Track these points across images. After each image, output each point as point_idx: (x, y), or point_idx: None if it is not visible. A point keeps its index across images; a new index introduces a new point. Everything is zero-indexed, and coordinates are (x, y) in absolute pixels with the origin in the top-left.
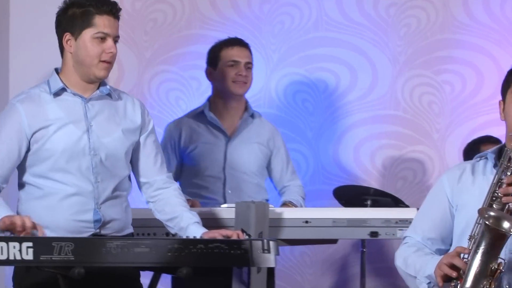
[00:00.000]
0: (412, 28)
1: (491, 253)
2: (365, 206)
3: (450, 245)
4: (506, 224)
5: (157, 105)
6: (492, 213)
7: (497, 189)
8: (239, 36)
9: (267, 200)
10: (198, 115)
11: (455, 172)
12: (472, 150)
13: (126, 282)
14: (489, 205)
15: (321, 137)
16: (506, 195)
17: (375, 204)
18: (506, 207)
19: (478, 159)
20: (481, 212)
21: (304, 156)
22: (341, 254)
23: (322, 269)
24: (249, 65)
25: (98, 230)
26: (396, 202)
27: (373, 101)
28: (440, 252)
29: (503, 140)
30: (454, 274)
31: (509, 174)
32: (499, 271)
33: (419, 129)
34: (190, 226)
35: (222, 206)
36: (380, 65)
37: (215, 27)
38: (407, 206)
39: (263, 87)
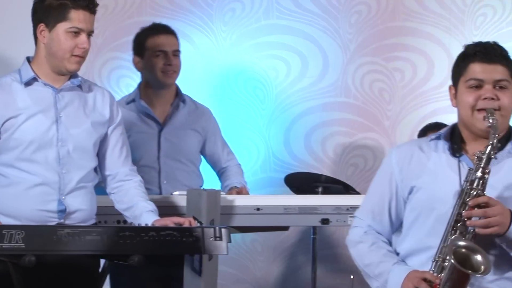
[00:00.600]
0: (363, 15)
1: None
2: (316, 193)
3: (400, 224)
4: (473, 261)
5: None
6: (459, 249)
7: (462, 211)
8: (190, 25)
9: (200, 187)
10: (129, 103)
11: (405, 151)
12: (420, 136)
13: (83, 272)
14: (452, 228)
15: (272, 125)
16: (470, 218)
17: (326, 191)
18: (471, 230)
19: (430, 138)
20: (449, 248)
21: (255, 144)
22: (292, 241)
23: (273, 256)
24: (176, 53)
25: (62, 220)
26: (347, 189)
27: (324, 89)
28: (386, 232)
29: None
30: None
31: (474, 193)
32: None
33: (370, 116)
34: (144, 214)
35: (174, 193)
36: (331, 52)
37: (166, 14)
38: (358, 193)
39: (214, 73)
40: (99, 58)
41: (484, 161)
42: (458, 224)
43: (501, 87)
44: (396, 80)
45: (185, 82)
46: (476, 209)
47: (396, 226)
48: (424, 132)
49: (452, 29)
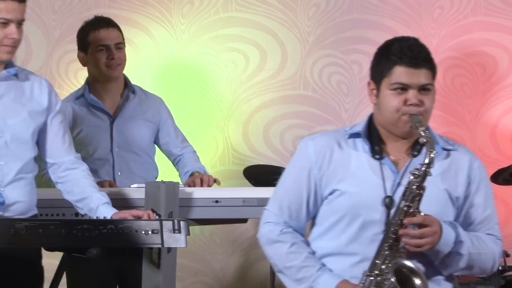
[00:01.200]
0: (321, 8)
1: None
2: (275, 185)
3: (313, 219)
4: (413, 283)
5: (65, 85)
6: (401, 269)
7: (396, 228)
8: (148, 17)
9: (156, 178)
10: (79, 98)
11: (323, 150)
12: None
13: (25, 264)
14: (386, 243)
15: (230, 118)
16: (404, 236)
17: None
18: (402, 247)
19: (347, 135)
20: (392, 267)
21: (213, 137)
22: (251, 233)
23: (232, 248)
24: (119, 45)
25: (1, 213)
26: None
27: (283, 81)
28: (301, 229)
29: None
30: None
31: (410, 210)
32: None
33: (328, 109)
34: (100, 207)
35: (132, 186)
36: (290, 45)
37: (125, 6)
38: None
39: (172, 66)
40: (57, 50)
41: (420, 178)
42: (391, 241)
43: (424, 90)
44: (354, 73)
45: (143, 74)
46: (413, 228)
47: (309, 219)
48: None
49: (409, 22)
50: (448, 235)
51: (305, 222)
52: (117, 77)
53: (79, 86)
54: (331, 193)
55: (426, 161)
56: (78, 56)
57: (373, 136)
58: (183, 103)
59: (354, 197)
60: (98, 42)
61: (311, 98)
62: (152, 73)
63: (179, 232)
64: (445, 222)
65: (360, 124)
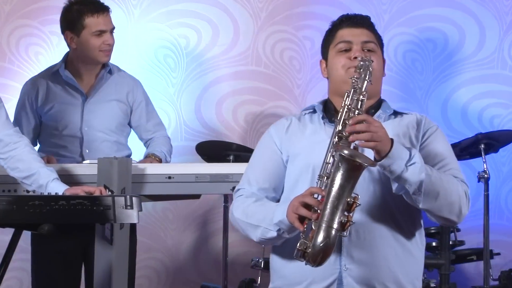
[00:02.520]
0: None
1: (347, 187)
2: (228, 161)
3: (281, 194)
4: (361, 157)
5: (16, 60)
6: (345, 149)
7: (342, 129)
8: None
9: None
10: (53, 74)
11: (282, 123)
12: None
13: None
14: (334, 145)
15: (183, 94)
16: (351, 134)
17: (238, 159)
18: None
19: (305, 112)
20: (336, 147)
21: (166, 113)
22: (204, 209)
23: (185, 224)
24: (112, 30)
25: None
26: None
27: (235, 57)
28: (274, 201)
29: None
30: (313, 216)
31: (353, 115)
32: (355, 204)
33: (281, 84)
34: (50, 183)
35: (84, 162)
36: (242, 21)
37: None
38: None
39: (124, 42)
40: (7, 26)
41: (359, 84)
42: (340, 142)
43: (369, 50)
44: (306, 49)
45: None
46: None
47: (280, 194)
48: None
49: None
50: (400, 146)
51: (274, 194)
52: (107, 61)
53: (30, 62)
54: (287, 160)
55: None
56: (66, 36)
57: (327, 108)
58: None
59: (307, 156)
60: (96, 28)
61: (264, 74)
62: None
63: (132, 208)
64: None
65: (314, 103)
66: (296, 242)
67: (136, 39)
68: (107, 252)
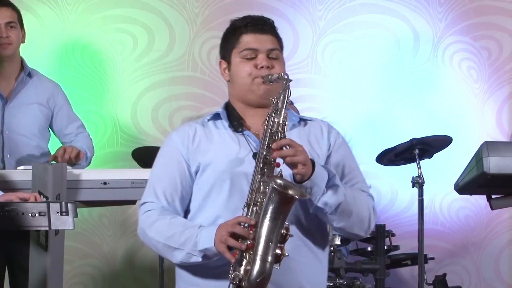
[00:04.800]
0: None
1: (280, 219)
2: None
3: (188, 205)
4: (293, 189)
5: None
6: (278, 180)
7: (266, 153)
8: None
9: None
10: None
11: (186, 131)
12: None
13: None
14: (260, 170)
15: (119, 99)
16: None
17: None
18: (278, 172)
19: (207, 119)
20: (269, 177)
21: (102, 118)
22: None
23: (121, 230)
24: (12, 24)
25: None
26: None
27: (171, 63)
28: (182, 214)
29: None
30: (243, 246)
31: (275, 138)
32: (288, 236)
33: (217, 90)
34: None
35: (19, 168)
36: (178, 26)
37: None
38: None
39: (60, 47)
40: None
41: (280, 105)
42: (265, 167)
43: (274, 58)
44: None
45: (29, 55)
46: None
47: (186, 204)
48: None
49: (296, 4)
50: (320, 168)
51: (181, 207)
52: (7, 56)
53: None
54: (197, 171)
55: (283, 90)
56: None
57: (232, 115)
58: (70, 85)
59: (218, 165)
60: None
61: (200, 80)
62: (38, 55)
63: (67, 214)
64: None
65: (217, 109)
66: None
67: (71, 44)
68: (42, 258)
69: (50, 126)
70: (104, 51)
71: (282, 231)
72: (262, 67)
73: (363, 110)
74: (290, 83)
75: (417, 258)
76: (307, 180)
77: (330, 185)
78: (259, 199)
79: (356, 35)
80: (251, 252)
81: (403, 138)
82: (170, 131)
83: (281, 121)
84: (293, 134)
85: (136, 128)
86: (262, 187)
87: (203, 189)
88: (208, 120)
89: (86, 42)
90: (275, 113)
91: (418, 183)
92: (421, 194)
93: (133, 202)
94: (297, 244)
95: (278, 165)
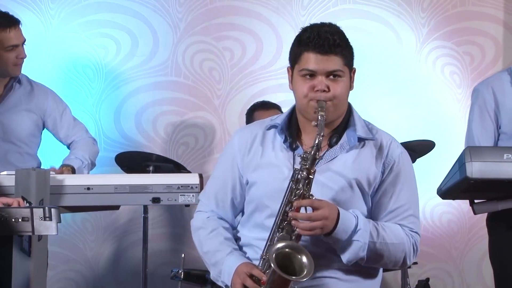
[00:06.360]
0: None
1: None
2: (147, 172)
3: (241, 209)
4: (297, 262)
5: None
6: (283, 250)
7: (288, 209)
8: (16, 1)
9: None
10: None
11: (246, 136)
12: (248, 115)
13: None
14: (279, 226)
15: (102, 104)
16: (295, 219)
17: (157, 170)
18: (295, 231)
19: (269, 126)
20: (271, 253)
21: (85, 123)
22: (123, 220)
23: (105, 235)
24: (23, 43)
25: None
26: (178, 168)
27: (154, 67)
28: (229, 218)
29: (284, 107)
30: None
31: (299, 193)
32: None
33: (200, 95)
34: None
35: (2, 173)
36: (161, 31)
37: None
38: (189, 172)
39: (42, 52)
40: None
41: (309, 161)
42: (285, 223)
43: (334, 76)
44: (226, 59)
45: None
46: (301, 211)
47: (240, 209)
48: (252, 111)
49: (280, 9)
50: (347, 221)
51: (232, 212)
52: (19, 74)
53: None
54: (247, 183)
55: (314, 145)
56: None
57: (291, 127)
58: (53, 89)
59: (263, 187)
60: (9, 43)
61: (183, 85)
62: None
63: (50, 219)
64: (349, 211)
65: (282, 115)
66: None
67: (54, 49)
68: (25, 264)
69: (47, 129)
70: (87, 56)
71: None
72: (317, 90)
73: None
74: (276, 88)
75: None
76: (329, 235)
77: (353, 239)
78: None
79: None
80: None
81: None
82: (154, 136)
83: (307, 176)
84: (347, 158)
85: (120, 133)
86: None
87: (250, 205)
88: (268, 128)
89: (69, 47)
90: (301, 168)
91: None
92: None
93: (116, 207)
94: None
95: (295, 225)
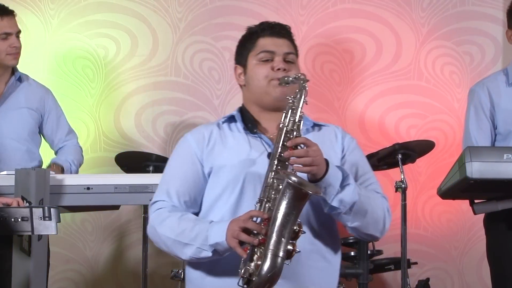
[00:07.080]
0: None
1: (293, 215)
2: (147, 172)
3: (200, 206)
4: (308, 186)
5: None
6: (293, 176)
7: (281, 152)
8: (16, 1)
9: (39, 166)
10: None
11: (201, 133)
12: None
13: None
14: (273, 168)
15: (102, 104)
16: (291, 157)
17: (157, 170)
18: (292, 170)
19: (222, 121)
20: (284, 173)
21: (85, 123)
22: (123, 220)
23: (104, 235)
24: (19, 34)
25: None
26: None
27: (154, 67)
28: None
29: None
30: (255, 241)
31: (291, 136)
32: (300, 232)
33: (200, 95)
34: None
35: (2, 173)
36: (161, 31)
37: None
38: None
39: (43, 52)
40: None
41: (296, 104)
42: (279, 165)
43: (290, 61)
44: (226, 59)
45: None
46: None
47: (198, 207)
48: None
49: (279, 9)
50: (334, 167)
51: (192, 208)
52: (15, 65)
53: None
54: (211, 169)
55: (300, 90)
56: None
57: (246, 118)
58: (52, 89)
59: (232, 168)
60: (1, 30)
61: (183, 85)
62: (20, 59)
63: (50, 219)
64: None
65: (232, 112)
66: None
67: (54, 49)
68: (25, 264)
69: (41, 131)
70: (87, 56)
71: (295, 228)
72: (278, 69)
73: (345, 115)
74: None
75: (400, 263)
76: (321, 179)
77: (345, 184)
78: (272, 196)
79: (338, 40)
80: (263, 248)
81: (386, 143)
82: (153, 136)
83: (297, 120)
84: (308, 138)
85: (119, 133)
86: (275, 184)
87: (215, 190)
88: (223, 122)
89: (69, 47)
90: (291, 111)
91: (401, 187)
92: (404, 198)
93: (116, 207)
94: (307, 248)
95: (292, 163)
